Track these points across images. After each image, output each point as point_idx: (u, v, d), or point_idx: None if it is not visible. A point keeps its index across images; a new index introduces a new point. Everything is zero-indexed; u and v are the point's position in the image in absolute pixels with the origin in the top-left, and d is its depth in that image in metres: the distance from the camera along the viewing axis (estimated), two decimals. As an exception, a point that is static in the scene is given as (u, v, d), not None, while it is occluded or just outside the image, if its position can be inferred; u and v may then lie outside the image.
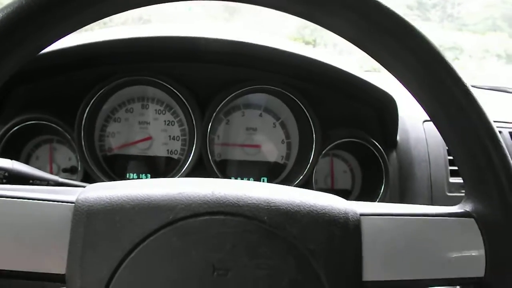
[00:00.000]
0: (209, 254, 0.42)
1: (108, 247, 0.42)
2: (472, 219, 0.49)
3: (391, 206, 0.51)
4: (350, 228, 0.45)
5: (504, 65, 5.41)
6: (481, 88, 1.68)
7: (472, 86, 1.43)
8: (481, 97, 1.37)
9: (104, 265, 0.42)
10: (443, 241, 0.48)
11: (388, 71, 0.50)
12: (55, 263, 0.42)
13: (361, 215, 0.46)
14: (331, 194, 0.50)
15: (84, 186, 0.81)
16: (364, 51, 0.50)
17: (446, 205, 0.97)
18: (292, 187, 0.51)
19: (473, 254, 0.47)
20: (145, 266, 0.42)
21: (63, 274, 0.42)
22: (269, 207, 0.44)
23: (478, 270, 0.47)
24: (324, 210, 0.45)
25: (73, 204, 0.44)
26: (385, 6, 0.46)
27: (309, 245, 0.44)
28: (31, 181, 0.76)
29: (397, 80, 0.51)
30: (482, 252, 0.47)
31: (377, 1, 0.46)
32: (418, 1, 5.97)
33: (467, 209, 0.50)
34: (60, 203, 0.44)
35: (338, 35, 0.50)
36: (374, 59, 0.50)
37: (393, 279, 0.46)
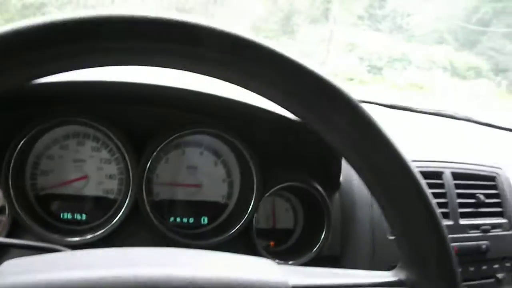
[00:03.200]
0: None
1: None
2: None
3: (324, 273, 0.50)
4: None
5: (449, 77, 5.57)
6: (426, 113, 1.70)
7: (419, 110, 1.45)
8: (426, 124, 1.38)
9: None
10: None
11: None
12: None
13: (293, 287, 0.45)
14: (264, 260, 0.49)
15: (5, 244, 0.77)
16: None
17: (388, 252, 0.97)
18: (222, 253, 0.49)
19: None
20: None
21: None
22: None
23: None
24: (252, 285, 0.44)
25: None
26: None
27: None
28: None
29: None
30: None
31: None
32: (369, 12, 6.08)
33: (401, 278, 0.49)
34: None
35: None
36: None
37: None
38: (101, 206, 0.98)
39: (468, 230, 1.11)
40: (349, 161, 0.48)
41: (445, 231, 0.47)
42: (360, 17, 5.61)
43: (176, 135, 0.91)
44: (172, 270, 0.43)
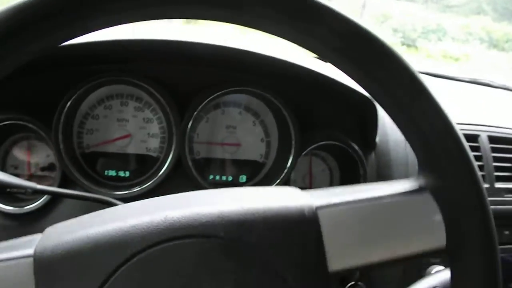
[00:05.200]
0: (173, 282, 0.42)
1: None
2: (427, 193, 0.48)
3: (346, 192, 0.49)
4: (307, 224, 0.45)
5: (486, 49, 5.44)
6: (462, 80, 1.68)
7: (452, 78, 1.43)
8: (462, 91, 1.37)
9: None
10: (401, 219, 0.48)
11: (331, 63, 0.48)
12: None
13: (317, 208, 0.46)
14: (288, 187, 0.50)
15: (59, 194, 0.82)
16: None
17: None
18: (246, 188, 0.50)
19: (433, 226, 0.47)
20: None
21: None
22: (223, 221, 0.43)
23: (440, 241, 0.47)
24: (278, 212, 0.45)
25: (32, 257, 0.42)
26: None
27: (269, 251, 0.43)
28: (8, 190, 0.76)
29: None
30: (441, 223, 0.47)
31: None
32: (403, -18, 5.96)
33: (421, 184, 0.49)
34: (17, 260, 0.42)
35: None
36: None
37: (358, 264, 0.46)
38: (143, 163, 1.02)
39: (504, 193, 1.11)
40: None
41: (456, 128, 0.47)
42: (394, -13, 5.50)
43: (218, 93, 0.93)
44: (199, 209, 0.44)
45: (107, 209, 0.48)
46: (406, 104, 0.46)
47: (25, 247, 0.43)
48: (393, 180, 0.51)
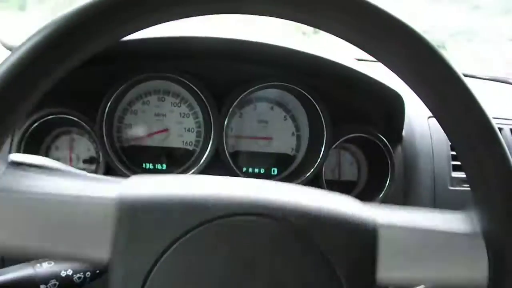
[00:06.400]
0: (242, 252, 0.46)
1: (151, 240, 0.45)
2: (481, 240, 0.50)
3: (405, 216, 0.52)
4: (367, 237, 0.48)
5: (517, 49, 5.34)
6: (480, 78, 1.69)
7: (471, 76, 1.44)
8: (479, 88, 1.39)
9: (147, 257, 0.45)
10: (452, 256, 0.50)
11: (386, 66, 0.52)
12: (99, 251, 0.45)
13: (379, 226, 0.48)
14: (351, 198, 0.52)
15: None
16: (361, 49, 0.52)
17: (449, 201, 1.00)
18: (317, 190, 0.53)
19: (478, 268, 0.49)
20: (185, 258, 0.45)
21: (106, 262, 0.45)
22: (296, 209, 0.47)
23: (482, 279, 0.49)
24: (345, 217, 0.48)
25: (117, 200, 0.46)
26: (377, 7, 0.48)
27: (330, 249, 0.47)
28: None
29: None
30: (485, 261, 0.49)
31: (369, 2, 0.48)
32: (431, -18, 5.90)
33: (476, 230, 0.51)
34: (101, 200, 0.46)
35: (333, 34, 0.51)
36: (373, 56, 0.52)
37: (401, 282, 0.49)
38: (180, 157, 1.07)
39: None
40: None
41: None
42: (422, -12, 5.45)
43: (254, 88, 0.98)
44: (276, 194, 0.48)
45: (193, 175, 0.52)
46: (460, 121, 0.50)
47: (109, 190, 0.47)
48: (448, 211, 0.53)
